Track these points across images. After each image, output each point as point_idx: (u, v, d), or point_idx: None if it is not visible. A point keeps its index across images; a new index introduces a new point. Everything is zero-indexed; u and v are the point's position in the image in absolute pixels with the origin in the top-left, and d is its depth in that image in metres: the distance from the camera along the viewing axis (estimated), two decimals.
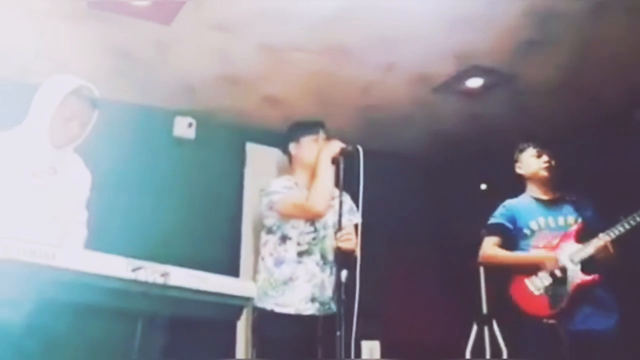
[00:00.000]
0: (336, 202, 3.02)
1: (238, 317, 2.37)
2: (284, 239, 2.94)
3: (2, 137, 2.33)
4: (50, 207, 2.36)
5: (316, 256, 2.95)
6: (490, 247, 3.32)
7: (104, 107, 2.45)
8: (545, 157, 3.24)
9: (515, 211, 3.29)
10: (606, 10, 3.18)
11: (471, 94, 4.17)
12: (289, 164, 3.18)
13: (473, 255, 4.30)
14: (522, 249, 3.23)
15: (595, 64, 3.74)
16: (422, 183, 5.04)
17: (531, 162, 3.29)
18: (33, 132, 2.34)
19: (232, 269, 4.22)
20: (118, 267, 1.80)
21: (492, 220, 3.37)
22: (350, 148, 2.82)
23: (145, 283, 1.81)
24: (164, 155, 4.35)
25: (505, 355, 4.10)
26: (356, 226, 2.85)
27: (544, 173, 3.25)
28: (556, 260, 3.08)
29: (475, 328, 4.25)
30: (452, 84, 4.04)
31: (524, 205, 3.29)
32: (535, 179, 3.29)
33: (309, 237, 2.96)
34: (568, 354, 2.89)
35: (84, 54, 3.62)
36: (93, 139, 2.47)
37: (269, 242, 2.99)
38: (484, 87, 4.08)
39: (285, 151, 3.18)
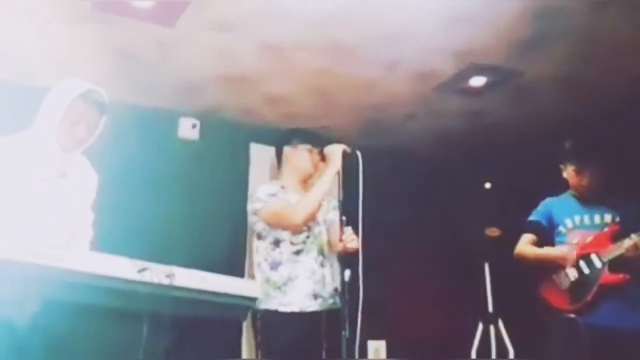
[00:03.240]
0: (325, 202, 3.07)
1: (244, 317, 2.37)
2: (277, 242, 2.96)
3: (11, 141, 2.34)
4: (59, 210, 2.37)
5: (313, 253, 2.97)
6: (523, 244, 3.31)
7: (108, 108, 2.46)
8: (585, 179, 3.18)
9: (553, 208, 3.28)
10: (607, 5, 3.18)
11: (474, 91, 4.17)
12: (277, 165, 3.19)
13: (478, 253, 4.30)
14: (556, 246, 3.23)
15: (597, 60, 3.73)
16: (426, 181, 5.04)
17: (572, 175, 3.24)
18: (41, 136, 2.35)
19: (238, 270, 4.23)
20: (123, 268, 1.80)
21: (530, 217, 3.36)
22: (349, 151, 2.84)
23: (151, 284, 1.82)
24: (169, 156, 4.36)
25: (511, 355, 4.09)
26: (341, 222, 2.84)
27: (584, 189, 3.21)
28: (574, 256, 3.08)
29: (480, 327, 4.25)
30: (454, 82, 4.04)
31: (563, 203, 3.28)
32: (577, 188, 3.25)
33: (302, 237, 2.97)
34: (585, 348, 2.89)
35: (87, 56, 3.63)
36: (98, 141, 2.48)
37: (260, 248, 3.00)
38: (487, 85, 4.08)
39: (278, 152, 3.18)
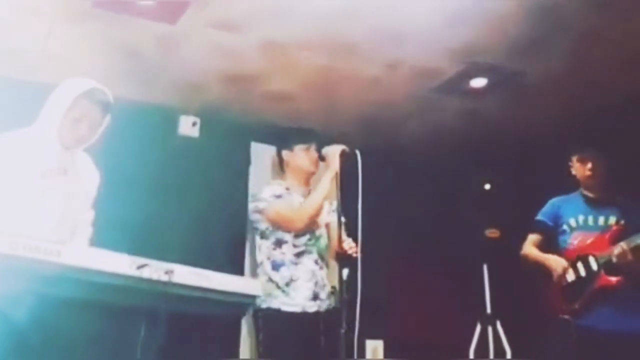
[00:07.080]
0: (327, 205, 3.10)
1: (242, 315, 2.38)
2: (279, 243, 3.01)
3: (13, 138, 2.35)
4: (60, 207, 2.38)
5: (314, 255, 3.02)
6: (528, 245, 3.33)
7: (112, 107, 2.47)
8: (589, 165, 3.19)
9: (560, 208, 3.29)
10: (608, 4, 3.17)
11: (474, 91, 4.17)
12: (280, 168, 3.24)
13: (477, 254, 4.29)
14: (560, 246, 3.23)
15: (599, 59, 3.72)
16: (426, 181, 5.03)
17: (577, 167, 3.25)
18: (43, 132, 2.37)
19: (237, 268, 4.23)
20: (123, 264, 1.81)
21: (537, 217, 3.37)
22: (348, 151, 2.85)
23: (150, 280, 1.82)
24: (169, 153, 4.36)
25: (509, 355, 4.10)
26: (340, 224, 2.84)
27: (590, 180, 3.22)
28: (564, 267, 3.08)
29: (479, 328, 4.25)
30: (455, 82, 4.04)
31: (570, 202, 3.29)
32: (584, 181, 3.26)
33: (304, 239, 3.01)
34: (578, 350, 2.89)
35: (88, 53, 3.63)
36: (99, 138, 2.48)
37: (263, 246, 3.06)
38: (487, 85, 4.07)
39: (278, 155, 3.27)
